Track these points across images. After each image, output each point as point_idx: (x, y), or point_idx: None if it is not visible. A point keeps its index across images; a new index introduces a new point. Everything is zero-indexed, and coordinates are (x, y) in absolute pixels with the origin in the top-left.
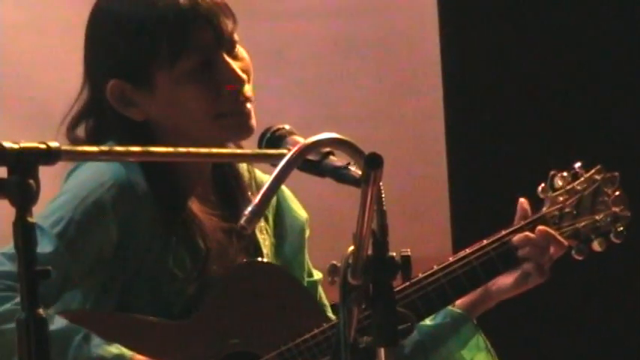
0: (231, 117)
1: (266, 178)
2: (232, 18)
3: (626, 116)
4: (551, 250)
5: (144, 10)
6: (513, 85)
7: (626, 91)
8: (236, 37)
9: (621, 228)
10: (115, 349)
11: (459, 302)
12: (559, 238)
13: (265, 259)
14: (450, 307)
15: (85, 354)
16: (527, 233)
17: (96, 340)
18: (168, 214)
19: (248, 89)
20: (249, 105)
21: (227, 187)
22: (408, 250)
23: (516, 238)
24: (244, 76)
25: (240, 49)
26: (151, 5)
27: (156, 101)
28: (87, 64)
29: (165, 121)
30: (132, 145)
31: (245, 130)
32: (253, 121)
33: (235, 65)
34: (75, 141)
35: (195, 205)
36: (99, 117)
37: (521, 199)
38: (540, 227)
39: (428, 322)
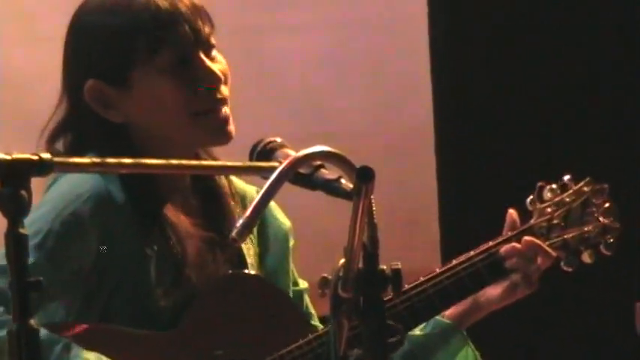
0: (208, 116)
1: (248, 188)
2: (210, 23)
3: (619, 124)
4: (539, 260)
5: (122, 10)
6: (503, 99)
7: (618, 99)
8: (213, 41)
9: (611, 240)
10: (95, 357)
11: (448, 313)
12: (546, 248)
13: (250, 271)
14: (439, 318)
15: None
16: (514, 244)
17: (75, 350)
18: (146, 223)
19: (225, 90)
20: (226, 108)
21: (207, 195)
22: (399, 263)
23: (504, 249)
24: (221, 75)
25: (218, 55)
26: (128, 6)
27: (133, 100)
28: (65, 74)
29: (143, 122)
30: (110, 150)
31: (222, 133)
32: (231, 127)
33: (212, 65)
34: (53, 150)
35: (172, 213)
36: (77, 128)
37: (511, 210)
38: (526, 238)
39: (418, 331)
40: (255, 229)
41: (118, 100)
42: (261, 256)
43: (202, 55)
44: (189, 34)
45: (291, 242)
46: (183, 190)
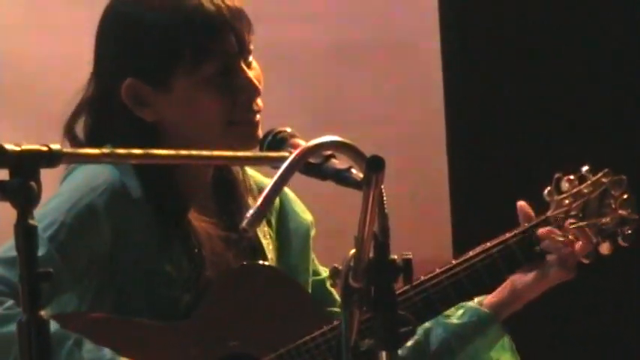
0: (242, 126)
1: (267, 182)
2: (250, 28)
3: (630, 117)
4: (576, 246)
5: (170, 12)
6: (514, 88)
7: (629, 92)
8: (252, 47)
9: (629, 231)
10: (108, 354)
11: (486, 302)
12: (588, 233)
13: (265, 262)
14: (477, 307)
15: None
16: (550, 228)
17: (87, 346)
18: (166, 220)
19: (260, 101)
20: (258, 115)
21: (226, 195)
22: (410, 253)
23: (540, 231)
24: (260, 87)
25: (253, 61)
26: (177, 8)
27: (171, 103)
28: (99, 62)
29: (175, 124)
30: (135, 146)
31: (252, 140)
32: (260, 132)
33: (251, 74)
34: (72, 139)
35: (193, 216)
36: (103, 113)
37: (519, 202)
38: (570, 221)
39: (455, 319)
40: (274, 224)
41: (155, 100)
42: (281, 251)
43: (243, 65)
44: (234, 46)
45: (312, 233)
46: (204, 188)
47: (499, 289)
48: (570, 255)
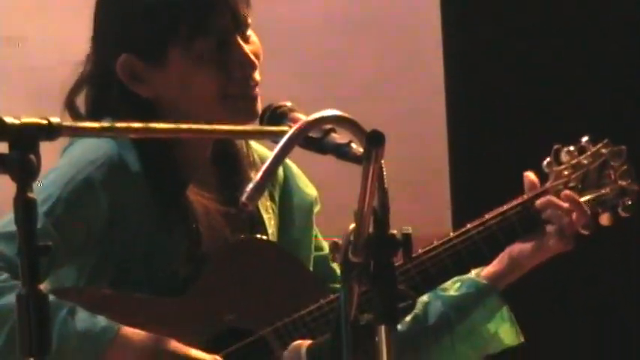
0: (239, 100)
1: (269, 154)
2: (247, 1)
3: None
4: (574, 216)
5: None
6: (515, 62)
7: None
8: (249, 20)
9: (630, 202)
10: (102, 321)
11: (484, 273)
12: (583, 205)
13: (263, 236)
14: (475, 277)
15: (71, 329)
16: (549, 197)
17: (81, 314)
18: (163, 194)
19: (257, 75)
20: (257, 89)
21: (228, 168)
22: (409, 228)
23: (539, 201)
24: (256, 61)
25: (252, 34)
26: None
27: (166, 79)
28: (97, 36)
29: (171, 100)
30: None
31: (250, 114)
32: (259, 107)
33: (248, 49)
34: (73, 112)
35: (192, 191)
36: (101, 88)
37: (527, 172)
38: (565, 192)
39: (452, 292)
40: (277, 199)
41: (149, 75)
42: (284, 226)
43: (240, 40)
44: (230, 20)
45: (316, 209)
46: (204, 163)
47: (497, 259)
48: (569, 225)
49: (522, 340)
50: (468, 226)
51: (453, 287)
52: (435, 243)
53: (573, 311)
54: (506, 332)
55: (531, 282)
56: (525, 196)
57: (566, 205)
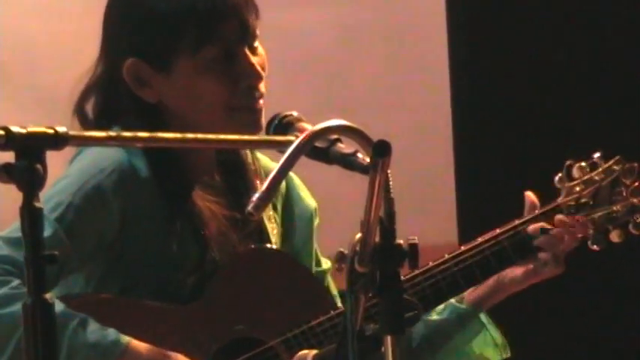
0: (244, 112)
1: (273, 166)
2: (256, 12)
3: (631, 116)
4: (566, 239)
5: None
6: (521, 76)
7: (632, 91)
8: (257, 32)
9: None
10: (112, 334)
11: (467, 295)
12: (581, 222)
13: (273, 246)
14: (456, 303)
15: (81, 340)
16: (543, 223)
17: (92, 326)
18: (172, 201)
19: (262, 87)
20: (261, 101)
21: (233, 174)
22: (416, 238)
23: (531, 227)
24: (262, 73)
25: (259, 46)
26: None
27: (171, 86)
28: (106, 40)
29: (176, 107)
30: (140, 128)
31: (254, 126)
32: (263, 119)
33: (254, 60)
34: (82, 118)
35: (198, 195)
36: (110, 93)
37: (527, 192)
38: (559, 216)
39: (435, 316)
40: (280, 209)
41: (155, 81)
42: (285, 236)
43: (246, 51)
44: (237, 31)
45: (316, 222)
46: (209, 168)
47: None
48: (563, 251)
49: (508, 354)
50: (479, 240)
51: (435, 311)
52: (446, 256)
53: (566, 320)
54: (490, 351)
55: (524, 300)
56: (537, 212)
57: (560, 231)
